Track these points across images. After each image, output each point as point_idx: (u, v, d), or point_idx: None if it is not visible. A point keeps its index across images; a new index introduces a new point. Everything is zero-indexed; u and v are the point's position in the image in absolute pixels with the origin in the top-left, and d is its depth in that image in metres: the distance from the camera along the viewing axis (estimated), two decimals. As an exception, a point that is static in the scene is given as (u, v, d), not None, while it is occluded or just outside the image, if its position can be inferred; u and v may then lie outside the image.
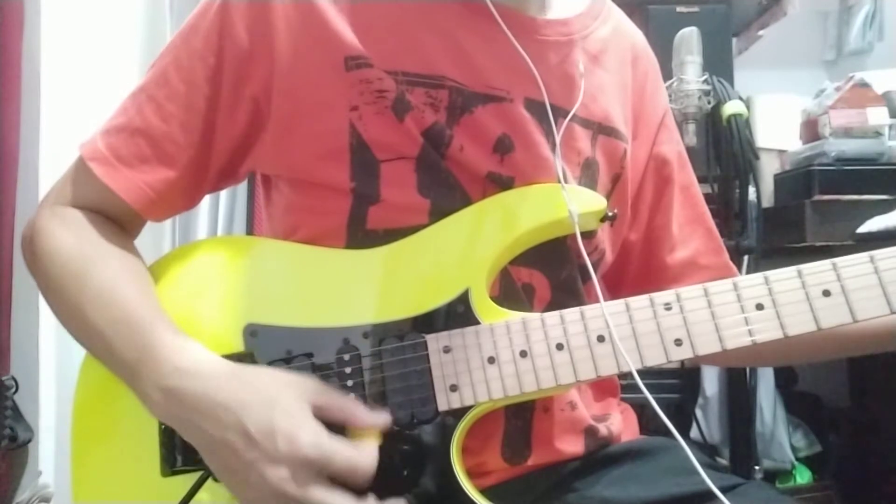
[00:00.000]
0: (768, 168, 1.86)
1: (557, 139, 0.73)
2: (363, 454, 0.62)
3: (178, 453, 0.68)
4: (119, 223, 0.77)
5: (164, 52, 0.75)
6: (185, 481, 0.66)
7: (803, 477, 1.91)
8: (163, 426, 0.68)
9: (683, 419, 1.79)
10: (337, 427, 0.63)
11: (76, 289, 0.69)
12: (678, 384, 1.66)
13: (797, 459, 1.92)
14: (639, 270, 0.87)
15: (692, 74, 1.55)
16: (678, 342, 0.64)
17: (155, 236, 1.80)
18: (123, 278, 0.70)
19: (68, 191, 0.76)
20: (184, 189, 0.76)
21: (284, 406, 0.61)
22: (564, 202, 0.70)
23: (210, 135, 0.74)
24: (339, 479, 0.61)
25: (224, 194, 1.99)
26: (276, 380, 0.64)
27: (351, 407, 0.64)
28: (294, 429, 0.60)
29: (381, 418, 0.64)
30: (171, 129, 0.73)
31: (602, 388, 0.83)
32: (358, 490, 0.61)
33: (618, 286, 0.88)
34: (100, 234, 0.73)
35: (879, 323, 0.67)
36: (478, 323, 0.67)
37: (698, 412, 1.84)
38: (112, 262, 0.72)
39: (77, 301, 0.69)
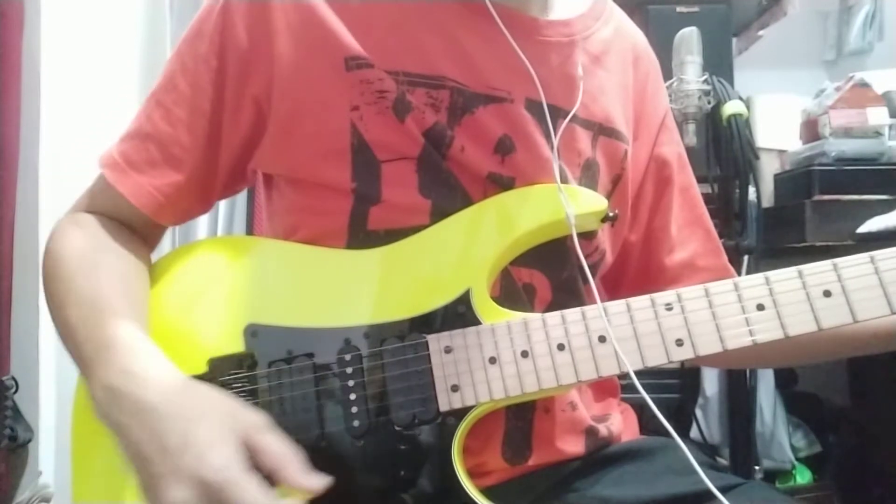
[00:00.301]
0: (768, 168, 1.86)
1: (555, 140, 0.73)
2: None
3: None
4: (136, 231, 0.78)
5: (172, 58, 0.76)
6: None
7: (803, 477, 1.91)
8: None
9: (683, 419, 1.79)
10: (269, 476, 0.57)
11: (64, 287, 0.70)
12: (678, 384, 1.66)
13: (797, 459, 1.92)
14: (637, 271, 0.87)
15: (692, 74, 1.54)
16: (679, 342, 0.64)
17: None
18: (111, 281, 0.70)
19: (87, 199, 0.78)
20: (193, 191, 0.76)
21: (209, 425, 0.57)
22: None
23: (216, 136, 0.75)
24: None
25: (224, 194, 1.99)
26: (218, 401, 0.61)
27: (288, 459, 0.58)
28: (207, 448, 0.56)
29: (317, 482, 0.58)
30: (178, 133, 0.74)
31: (602, 388, 0.83)
32: None
33: (617, 287, 0.88)
34: (108, 237, 0.74)
35: (879, 323, 0.67)
36: (479, 323, 0.67)
37: (698, 412, 1.84)
38: (107, 264, 0.72)
39: (63, 299, 0.69)
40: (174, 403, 0.59)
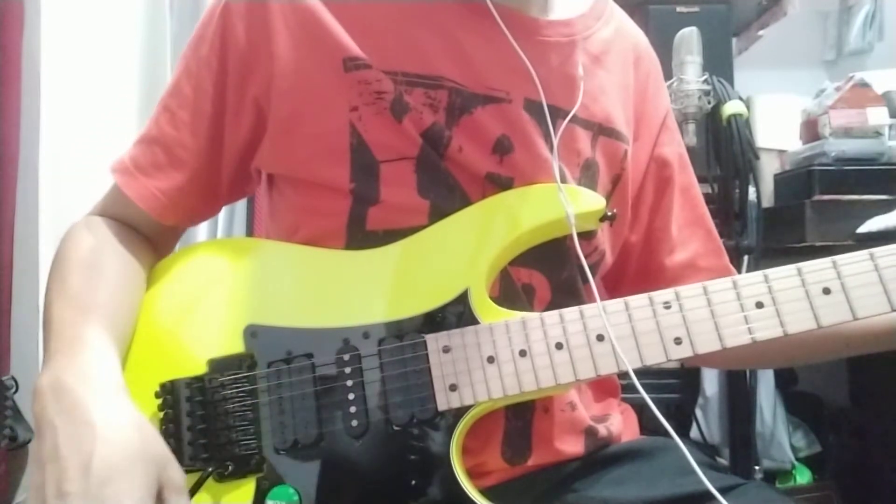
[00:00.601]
0: (768, 168, 1.86)
1: (555, 140, 0.73)
2: None
3: (177, 454, 0.68)
4: (147, 234, 0.79)
5: (179, 63, 0.78)
6: (186, 481, 0.66)
7: (803, 477, 1.91)
8: (163, 426, 0.68)
9: (683, 419, 1.79)
10: None
11: (58, 287, 0.70)
12: (678, 384, 1.66)
13: (797, 459, 1.92)
14: (638, 271, 0.87)
15: (692, 74, 1.54)
16: (678, 341, 0.64)
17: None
18: (102, 282, 0.70)
19: (101, 204, 0.80)
20: (197, 192, 0.77)
21: (141, 471, 0.56)
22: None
23: (219, 137, 0.75)
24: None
25: (224, 195, 1.99)
26: (158, 455, 0.59)
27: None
28: (127, 494, 0.55)
29: None
30: (182, 135, 0.75)
31: (602, 388, 0.83)
32: None
33: (617, 287, 0.88)
34: (112, 236, 0.75)
35: (879, 321, 0.67)
36: (477, 323, 0.67)
37: (698, 412, 1.84)
38: (102, 264, 0.72)
39: (53, 297, 0.69)
40: (113, 430, 0.57)
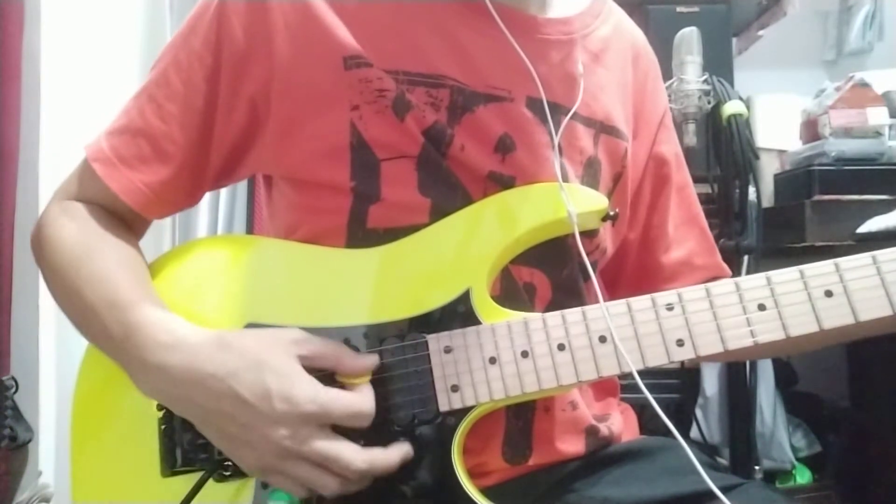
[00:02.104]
0: (768, 168, 1.86)
1: (556, 138, 0.72)
2: (361, 398, 0.63)
3: (178, 453, 0.68)
4: (123, 221, 0.77)
5: (164, 53, 0.76)
6: (186, 482, 0.66)
7: (803, 477, 1.91)
8: (163, 426, 0.68)
9: (683, 419, 1.79)
10: (328, 374, 0.64)
11: (75, 271, 0.70)
12: (678, 384, 1.66)
13: (797, 459, 1.92)
14: (635, 269, 0.87)
15: (692, 74, 1.55)
16: (680, 343, 0.64)
17: (155, 235, 1.80)
18: (119, 263, 0.72)
19: (74, 188, 0.77)
20: (182, 188, 0.76)
21: (274, 366, 0.62)
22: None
23: (208, 134, 0.74)
24: (341, 427, 0.62)
25: (224, 193, 2.00)
26: (261, 340, 0.64)
27: (338, 353, 0.65)
28: (288, 388, 0.61)
29: (369, 360, 0.65)
30: (171, 129, 0.73)
31: (602, 387, 0.83)
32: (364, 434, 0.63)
33: (614, 285, 0.88)
34: (101, 225, 0.74)
35: None
36: (479, 323, 0.67)
37: (698, 412, 1.84)
38: (109, 249, 0.73)
39: (74, 283, 0.70)
40: (224, 361, 0.62)
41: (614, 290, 0.88)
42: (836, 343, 0.75)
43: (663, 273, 0.86)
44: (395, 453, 0.64)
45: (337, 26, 0.70)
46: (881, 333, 0.73)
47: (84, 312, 0.69)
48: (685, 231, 0.88)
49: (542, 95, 0.72)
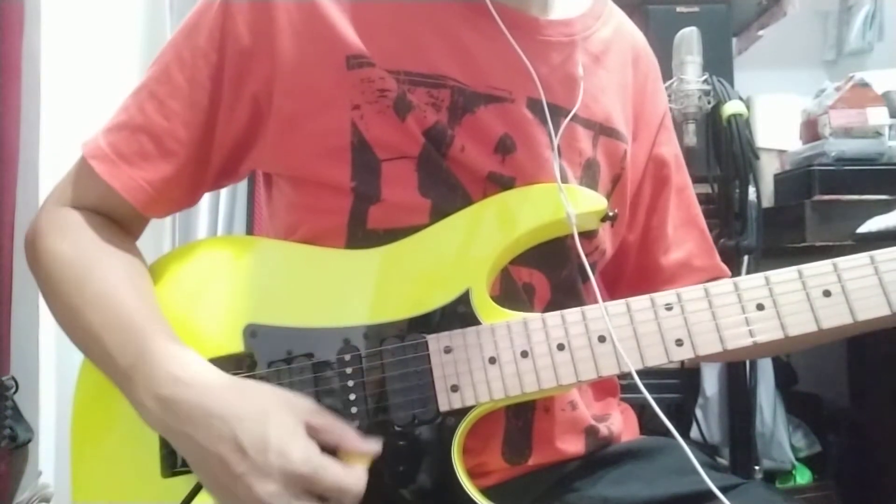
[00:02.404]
0: (768, 168, 1.86)
1: (556, 139, 0.72)
2: (353, 476, 0.61)
3: (178, 454, 0.68)
4: (121, 223, 0.76)
5: (166, 50, 0.75)
6: (186, 482, 0.66)
7: (803, 477, 1.91)
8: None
9: (683, 419, 1.79)
10: (329, 451, 0.62)
11: (76, 292, 0.69)
12: (678, 384, 1.66)
13: (797, 459, 1.92)
14: (634, 270, 0.88)
15: (692, 74, 1.54)
16: (679, 342, 0.64)
17: (155, 235, 1.80)
18: (123, 282, 0.70)
19: (70, 191, 0.76)
20: (184, 186, 0.76)
21: (278, 421, 0.61)
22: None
23: (211, 132, 0.74)
24: (327, 499, 0.60)
25: (224, 193, 2.00)
26: (273, 395, 0.64)
27: (344, 431, 0.64)
28: (286, 443, 0.60)
29: (372, 446, 0.64)
30: (174, 126, 0.73)
31: (602, 387, 0.83)
32: None
33: (614, 286, 0.88)
34: (101, 237, 0.73)
35: None
36: (478, 323, 0.67)
37: (698, 412, 1.84)
38: (112, 265, 0.71)
39: (76, 304, 0.69)
40: (234, 405, 0.62)
41: (614, 291, 0.89)
42: (835, 339, 0.75)
43: (662, 274, 0.86)
44: None
45: (340, 25, 0.70)
46: (880, 328, 0.73)
47: (86, 333, 0.68)
48: (684, 232, 0.88)
49: (542, 97, 0.72)
